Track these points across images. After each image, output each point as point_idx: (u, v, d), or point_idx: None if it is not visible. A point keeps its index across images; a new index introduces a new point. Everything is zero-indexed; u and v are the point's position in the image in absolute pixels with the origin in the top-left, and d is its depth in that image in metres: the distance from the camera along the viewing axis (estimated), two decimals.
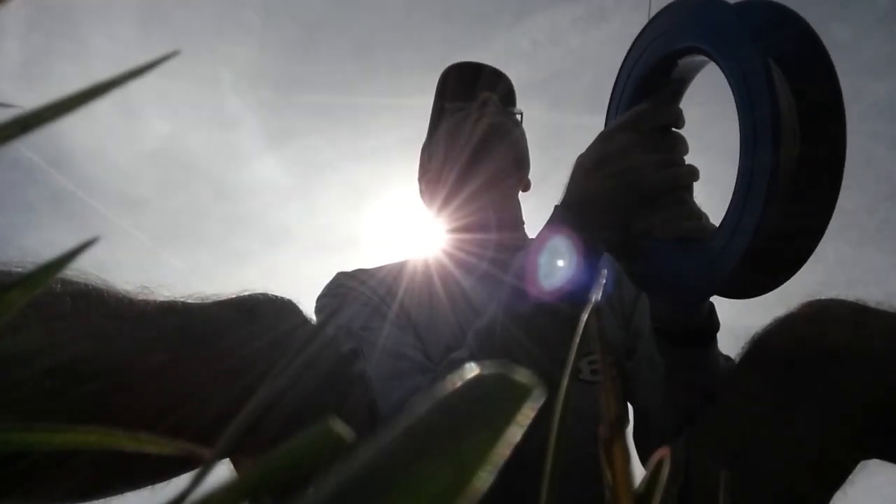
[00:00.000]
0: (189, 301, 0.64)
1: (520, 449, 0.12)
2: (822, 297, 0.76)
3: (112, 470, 0.54)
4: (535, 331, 0.72)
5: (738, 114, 0.64)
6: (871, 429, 0.68)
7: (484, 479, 0.10)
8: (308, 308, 0.77)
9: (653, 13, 0.78)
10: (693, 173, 0.73)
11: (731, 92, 0.66)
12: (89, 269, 0.58)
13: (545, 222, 0.79)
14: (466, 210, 1.11)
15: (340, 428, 0.11)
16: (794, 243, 0.64)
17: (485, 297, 0.96)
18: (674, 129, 0.74)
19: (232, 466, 0.61)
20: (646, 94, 0.77)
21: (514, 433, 0.11)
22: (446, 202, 1.14)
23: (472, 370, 0.13)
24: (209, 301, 0.65)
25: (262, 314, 0.66)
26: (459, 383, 0.13)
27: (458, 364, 0.78)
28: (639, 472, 0.18)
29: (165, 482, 0.59)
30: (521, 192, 1.19)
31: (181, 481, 0.60)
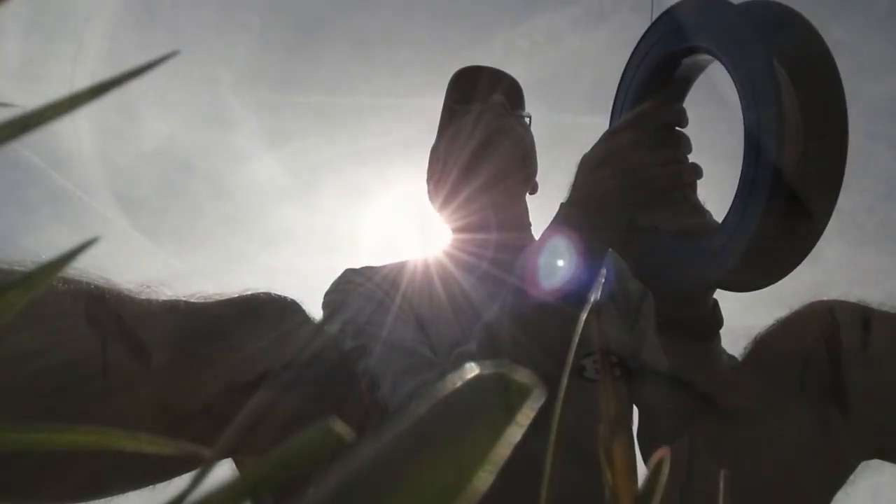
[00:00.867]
0: (192, 300, 0.64)
1: (521, 446, 0.12)
2: (825, 298, 0.76)
3: (112, 470, 0.54)
4: (537, 331, 0.72)
5: (743, 112, 0.65)
6: (872, 429, 0.68)
7: (484, 479, 0.10)
8: (310, 307, 0.77)
9: (655, 13, 0.78)
10: (697, 171, 0.73)
11: (734, 91, 0.66)
12: (90, 269, 0.58)
13: (550, 221, 0.79)
14: (466, 210, 1.11)
15: (340, 428, 0.11)
16: (795, 240, 0.64)
17: (485, 297, 0.96)
18: (678, 127, 0.75)
19: (233, 466, 0.61)
20: (650, 93, 0.77)
21: (514, 433, 0.11)
22: (447, 201, 1.14)
23: (472, 370, 0.13)
24: (212, 300, 0.65)
25: (265, 313, 0.66)
26: (459, 383, 0.13)
27: (465, 359, 0.78)
28: (643, 472, 0.18)
29: (166, 482, 0.59)
30: (527, 195, 1.19)
31: (181, 481, 0.60)
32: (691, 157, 0.75)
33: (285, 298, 0.71)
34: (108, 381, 0.52)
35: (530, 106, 1.23)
